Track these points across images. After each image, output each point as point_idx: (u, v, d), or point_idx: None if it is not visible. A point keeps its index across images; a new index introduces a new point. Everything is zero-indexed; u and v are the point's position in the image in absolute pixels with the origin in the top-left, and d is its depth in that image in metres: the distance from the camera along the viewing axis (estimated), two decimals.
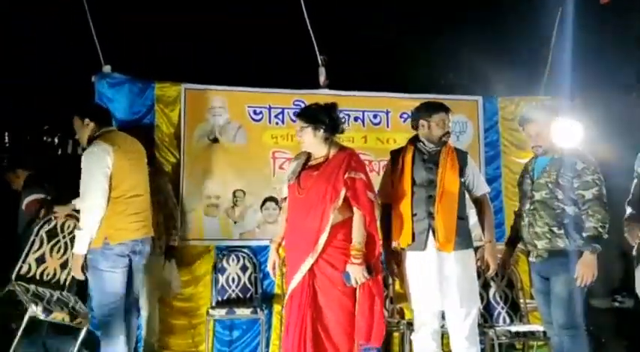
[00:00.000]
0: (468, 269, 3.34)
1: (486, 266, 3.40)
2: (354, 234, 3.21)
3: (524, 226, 3.40)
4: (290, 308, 3.27)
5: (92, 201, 3.43)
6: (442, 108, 3.50)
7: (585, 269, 3.15)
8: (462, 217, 3.38)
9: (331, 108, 3.40)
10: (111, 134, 3.71)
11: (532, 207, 3.36)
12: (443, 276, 3.30)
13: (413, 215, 3.37)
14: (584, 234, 3.19)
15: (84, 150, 3.65)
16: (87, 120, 3.70)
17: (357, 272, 3.13)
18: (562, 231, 3.25)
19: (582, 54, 5.06)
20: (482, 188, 3.51)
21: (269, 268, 3.48)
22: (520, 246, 3.58)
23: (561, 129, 3.42)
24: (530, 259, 3.43)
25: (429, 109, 3.50)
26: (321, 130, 3.32)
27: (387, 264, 3.53)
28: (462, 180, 3.41)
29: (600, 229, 3.15)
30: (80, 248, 3.45)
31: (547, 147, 3.40)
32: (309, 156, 3.44)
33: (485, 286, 4.09)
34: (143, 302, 4.47)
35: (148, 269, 4.36)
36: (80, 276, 3.55)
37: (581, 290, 3.21)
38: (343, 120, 3.73)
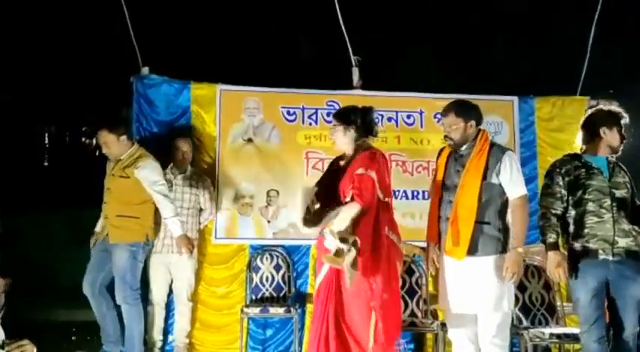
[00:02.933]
0: (489, 276, 3.23)
1: (507, 274, 3.20)
2: (336, 218, 3.17)
3: (603, 222, 3.19)
4: (315, 302, 3.34)
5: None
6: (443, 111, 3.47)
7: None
8: (486, 222, 3.25)
9: (367, 111, 3.43)
10: (141, 148, 4.36)
11: (614, 204, 3.20)
12: (459, 281, 3.29)
13: (439, 217, 3.39)
14: None
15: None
16: (123, 138, 4.24)
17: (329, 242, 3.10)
18: None
19: (621, 52, 4.97)
20: (513, 191, 3.28)
21: None
22: (577, 243, 3.27)
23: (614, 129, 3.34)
24: (602, 257, 3.17)
25: None
26: (352, 131, 3.36)
27: (426, 261, 3.53)
28: (494, 181, 3.26)
29: None
30: (178, 230, 4.26)
31: (600, 147, 3.34)
32: (343, 156, 3.48)
33: (521, 287, 4.02)
34: (175, 300, 4.57)
35: (179, 267, 4.47)
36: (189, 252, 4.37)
37: None
38: (377, 121, 3.71)
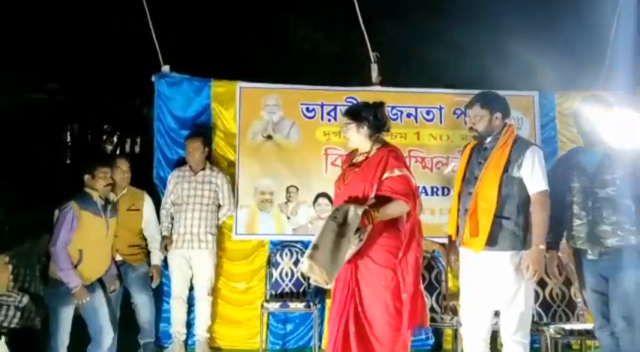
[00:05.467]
0: (504, 272, 3.20)
1: (529, 272, 3.15)
2: (384, 206, 3.17)
3: (584, 224, 3.24)
4: (333, 298, 3.33)
5: None
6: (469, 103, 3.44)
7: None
8: (506, 217, 3.22)
9: (378, 107, 3.41)
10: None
11: (598, 205, 3.19)
12: (475, 274, 3.28)
13: (458, 210, 3.38)
14: None
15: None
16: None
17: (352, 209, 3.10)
18: (633, 228, 3.13)
19: None
20: (533, 186, 3.22)
21: None
22: (569, 245, 3.40)
23: (619, 122, 3.26)
24: (590, 258, 3.25)
25: None
26: (365, 127, 3.34)
27: (445, 258, 3.54)
28: (515, 175, 3.23)
29: None
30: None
31: (597, 139, 3.25)
32: (356, 152, 3.48)
33: (541, 284, 4.00)
34: (195, 295, 4.63)
35: (199, 262, 4.53)
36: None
37: None
38: (395, 117, 3.70)
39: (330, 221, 3.11)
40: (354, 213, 3.09)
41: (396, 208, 3.19)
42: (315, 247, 3.08)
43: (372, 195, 3.22)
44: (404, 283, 3.18)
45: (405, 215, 3.23)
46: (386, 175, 3.22)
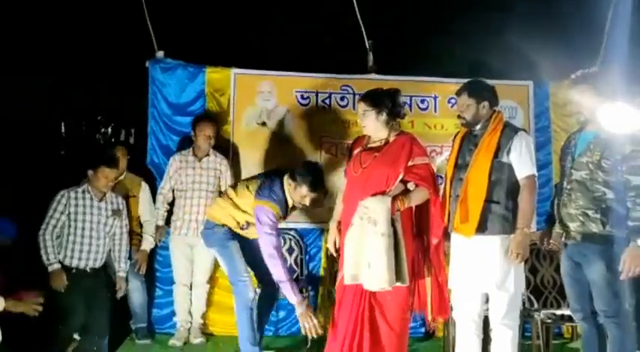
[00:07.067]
0: (494, 255, 3.23)
1: (512, 256, 3.20)
2: (409, 194, 3.29)
3: (558, 205, 3.24)
4: (344, 290, 3.33)
5: None
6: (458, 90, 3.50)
7: (632, 262, 2.91)
8: (495, 201, 3.26)
9: (395, 94, 3.44)
10: None
11: (569, 187, 3.17)
12: (466, 259, 3.31)
13: (449, 196, 3.40)
14: (631, 224, 2.94)
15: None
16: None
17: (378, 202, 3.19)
18: (598, 215, 3.05)
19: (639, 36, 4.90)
20: (521, 170, 3.27)
21: (329, 245, 3.57)
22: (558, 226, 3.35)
23: (614, 105, 3.15)
24: (564, 240, 3.24)
25: None
26: (384, 114, 3.36)
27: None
28: (504, 161, 3.27)
29: None
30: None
31: (590, 119, 3.18)
32: (368, 137, 3.49)
33: (532, 270, 4.03)
34: (192, 282, 4.63)
35: (200, 250, 4.52)
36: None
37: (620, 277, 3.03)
38: (405, 104, 3.72)
39: (365, 223, 3.18)
40: (384, 204, 3.17)
41: (420, 195, 3.29)
42: (369, 266, 3.15)
43: (397, 180, 3.27)
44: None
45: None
46: (412, 163, 3.29)
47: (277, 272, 3.67)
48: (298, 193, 3.61)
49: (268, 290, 4.00)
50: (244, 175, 4.84)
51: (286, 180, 3.72)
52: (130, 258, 4.40)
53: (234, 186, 4.09)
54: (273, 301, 4.01)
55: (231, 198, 3.97)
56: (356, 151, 3.51)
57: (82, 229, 3.95)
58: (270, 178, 3.84)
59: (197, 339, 4.54)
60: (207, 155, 4.64)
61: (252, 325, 3.78)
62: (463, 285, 3.37)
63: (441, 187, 3.56)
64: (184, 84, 4.92)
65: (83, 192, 4.03)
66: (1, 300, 3.16)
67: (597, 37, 5.08)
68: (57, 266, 3.86)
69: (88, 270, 3.96)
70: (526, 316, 3.74)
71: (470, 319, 3.37)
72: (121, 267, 4.21)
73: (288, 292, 3.62)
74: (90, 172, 4.03)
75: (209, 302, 4.73)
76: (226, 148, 4.87)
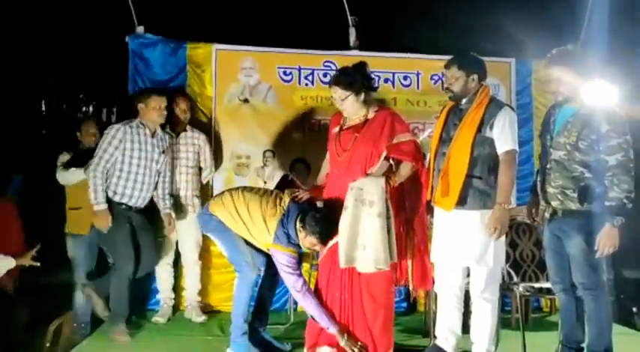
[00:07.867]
0: (473, 230, 3.24)
1: (489, 230, 3.19)
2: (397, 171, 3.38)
3: (539, 183, 3.26)
4: (330, 265, 3.39)
5: None
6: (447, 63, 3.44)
7: (607, 241, 2.97)
8: (477, 176, 3.25)
9: (364, 68, 3.41)
10: None
11: (549, 166, 3.18)
12: (447, 232, 3.34)
13: (433, 170, 3.41)
14: (607, 204, 2.97)
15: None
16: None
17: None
18: (575, 195, 3.07)
19: (620, 15, 4.92)
20: (502, 145, 3.24)
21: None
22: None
23: (592, 83, 3.15)
24: (546, 215, 3.27)
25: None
26: (362, 94, 3.35)
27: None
28: (487, 135, 3.24)
29: (625, 200, 2.93)
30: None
31: (570, 96, 3.15)
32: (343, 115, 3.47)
33: (512, 244, 4.07)
34: (183, 261, 4.61)
35: (185, 229, 4.49)
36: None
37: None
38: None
39: (360, 205, 3.23)
40: (379, 185, 3.24)
41: (406, 170, 3.36)
42: (365, 248, 3.20)
43: (381, 158, 3.29)
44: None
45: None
46: (396, 140, 3.32)
47: (310, 310, 3.47)
48: (308, 241, 3.46)
49: (269, 273, 3.90)
50: (226, 152, 4.82)
51: (298, 222, 3.41)
52: None
53: (247, 204, 3.54)
54: (274, 284, 3.93)
55: (242, 220, 3.53)
56: (334, 130, 3.50)
57: (137, 166, 3.86)
58: (287, 217, 3.45)
59: (200, 318, 4.50)
60: (185, 130, 4.58)
61: (248, 303, 3.74)
62: (444, 259, 3.39)
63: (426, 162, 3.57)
64: (165, 60, 4.85)
65: (137, 126, 3.91)
66: (12, 260, 3.50)
67: (580, 15, 5.09)
68: (104, 206, 3.76)
69: (135, 209, 3.90)
70: (505, 289, 3.78)
71: (451, 292, 3.41)
72: (167, 205, 4.16)
73: (326, 324, 3.41)
74: (141, 105, 3.93)
75: (210, 283, 4.76)
76: (208, 124, 4.83)
